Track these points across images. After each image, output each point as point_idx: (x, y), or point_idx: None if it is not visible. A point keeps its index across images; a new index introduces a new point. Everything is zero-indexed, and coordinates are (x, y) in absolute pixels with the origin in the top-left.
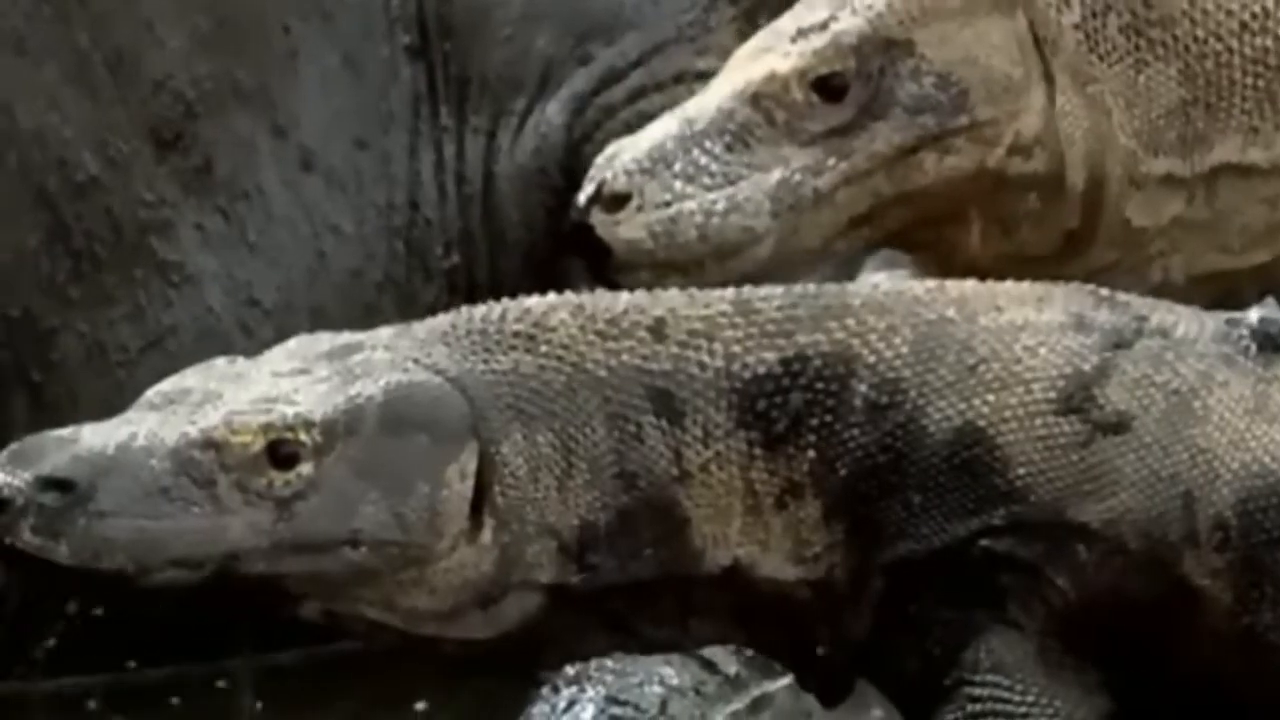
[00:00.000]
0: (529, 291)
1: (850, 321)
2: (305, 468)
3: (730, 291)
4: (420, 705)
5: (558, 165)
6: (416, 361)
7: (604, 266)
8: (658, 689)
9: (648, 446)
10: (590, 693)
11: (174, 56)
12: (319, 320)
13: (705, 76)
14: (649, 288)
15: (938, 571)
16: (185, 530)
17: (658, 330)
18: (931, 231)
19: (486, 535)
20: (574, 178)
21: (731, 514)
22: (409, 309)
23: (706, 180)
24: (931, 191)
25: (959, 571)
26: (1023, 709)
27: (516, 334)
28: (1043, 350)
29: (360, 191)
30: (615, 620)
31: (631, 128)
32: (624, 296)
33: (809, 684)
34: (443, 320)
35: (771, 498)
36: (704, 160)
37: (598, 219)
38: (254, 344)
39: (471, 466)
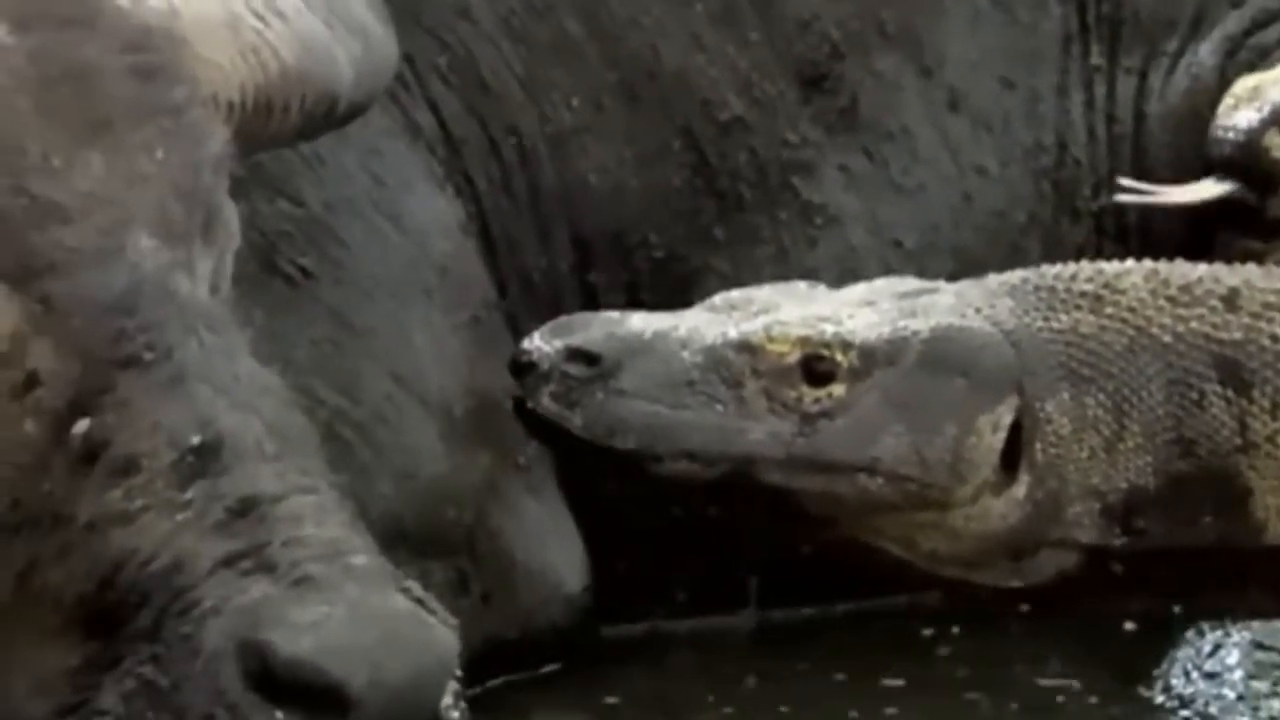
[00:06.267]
0: (1179, 234)
1: None
2: (837, 388)
3: None
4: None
5: (1209, 108)
6: (978, 310)
7: None
8: None
9: (1210, 415)
10: (1235, 636)
11: None
12: (961, 261)
13: None
14: None
15: None
16: (703, 425)
17: (1230, 300)
18: None
19: (1020, 490)
20: None
21: None
22: (1055, 250)
23: None
24: None
25: None
26: None
27: (1083, 294)
28: None
29: (1007, 132)
30: (1161, 584)
31: None
32: (1200, 266)
33: None
34: (1016, 275)
35: None
36: None
37: None
38: None
39: (1007, 419)
